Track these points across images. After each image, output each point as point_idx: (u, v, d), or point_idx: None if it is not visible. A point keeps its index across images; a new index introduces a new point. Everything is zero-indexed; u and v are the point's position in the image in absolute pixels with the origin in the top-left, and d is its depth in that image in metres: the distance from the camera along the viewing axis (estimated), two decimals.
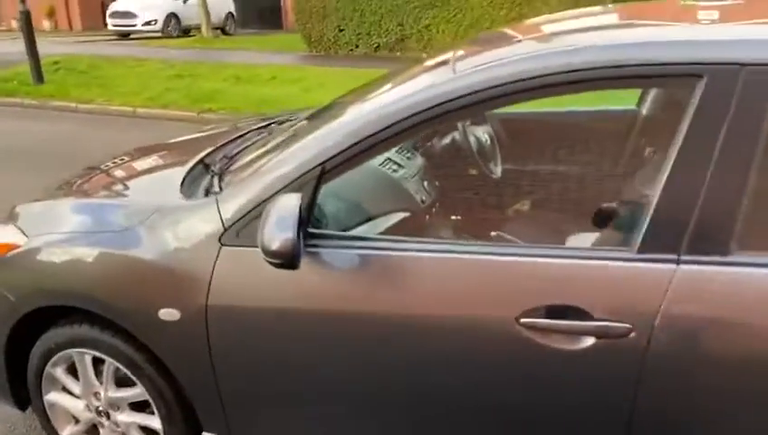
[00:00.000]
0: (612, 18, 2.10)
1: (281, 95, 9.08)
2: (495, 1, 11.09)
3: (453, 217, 1.97)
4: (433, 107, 1.65)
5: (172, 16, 17.98)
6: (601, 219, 1.68)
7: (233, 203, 1.87)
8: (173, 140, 3.09)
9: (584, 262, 1.56)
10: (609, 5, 2.83)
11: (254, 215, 1.81)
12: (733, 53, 1.48)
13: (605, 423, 1.60)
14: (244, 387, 1.94)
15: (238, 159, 2.36)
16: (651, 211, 1.50)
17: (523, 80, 1.56)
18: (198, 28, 17.04)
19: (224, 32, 18.49)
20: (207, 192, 2.08)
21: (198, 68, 11.37)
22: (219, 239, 1.86)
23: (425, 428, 1.78)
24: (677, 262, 1.48)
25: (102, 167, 2.72)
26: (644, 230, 1.51)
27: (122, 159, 2.77)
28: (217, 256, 1.85)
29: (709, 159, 1.46)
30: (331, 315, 1.73)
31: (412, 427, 1.79)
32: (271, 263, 1.65)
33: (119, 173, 2.64)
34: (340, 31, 12.86)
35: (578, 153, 1.87)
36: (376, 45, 12.62)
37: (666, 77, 1.54)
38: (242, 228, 1.83)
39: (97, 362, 2.17)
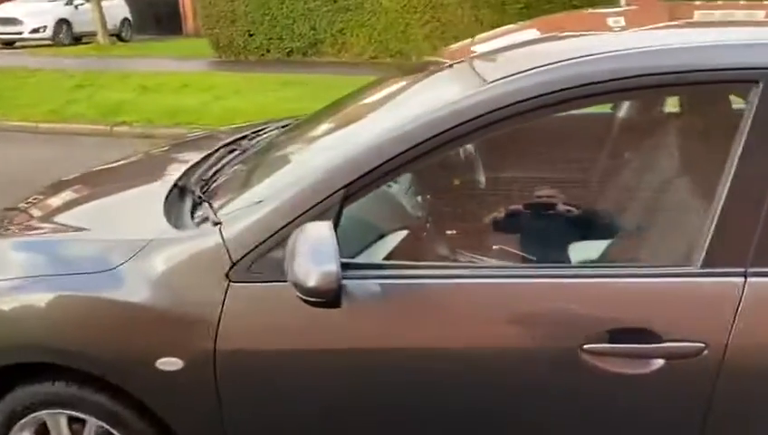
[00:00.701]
0: (620, 22, 2.05)
1: (194, 104, 8.66)
2: (409, 5, 11.10)
3: (481, 237, 1.84)
4: (472, 119, 1.52)
5: (63, 23, 16.79)
6: (653, 233, 1.60)
7: (241, 233, 1.65)
8: (101, 167, 2.75)
9: (647, 280, 1.48)
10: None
11: (269, 246, 1.62)
12: None
13: None
14: None
15: (221, 182, 2.13)
16: (714, 223, 1.44)
17: (582, 85, 1.46)
18: (92, 35, 16.04)
19: (120, 38, 17.51)
20: (198, 220, 1.85)
21: (100, 78, 10.67)
22: (227, 275, 1.64)
23: None
24: (745, 275, 1.42)
25: (33, 200, 2.39)
26: (707, 244, 1.44)
27: (56, 189, 2.45)
28: (226, 294, 1.64)
29: None
30: (375, 354, 1.56)
31: None
32: (307, 301, 1.46)
33: (67, 204, 2.33)
34: (250, 36, 12.49)
35: (607, 159, 1.78)
36: (288, 50, 12.34)
37: (718, 83, 1.48)
38: (254, 261, 1.63)
39: (72, 422, 1.89)
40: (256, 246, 1.63)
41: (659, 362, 1.44)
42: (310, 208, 1.59)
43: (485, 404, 1.55)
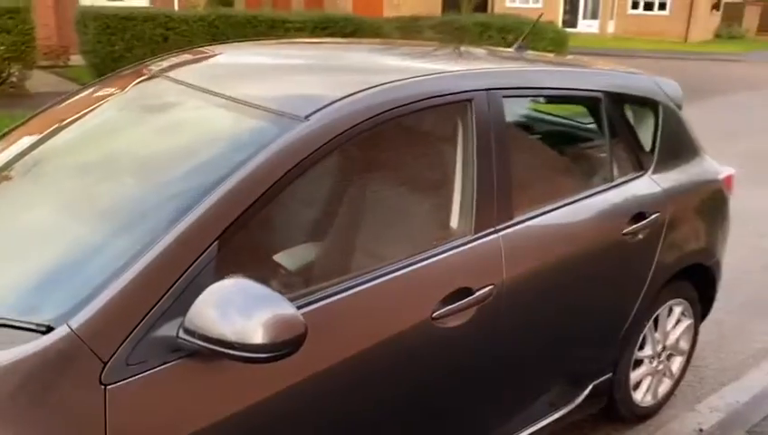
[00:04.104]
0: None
1: None
2: None
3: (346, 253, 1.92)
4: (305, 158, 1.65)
5: None
6: (442, 220, 2.02)
7: (102, 321, 1.37)
8: None
9: (456, 251, 1.91)
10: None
11: (148, 325, 1.41)
12: (482, 81, 2.09)
13: (486, 371, 2.05)
14: None
15: None
16: (474, 204, 1.98)
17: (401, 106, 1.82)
18: None
19: None
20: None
21: None
22: (100, 379, 1.34)
23: None
24: (497, 231, 2.03)
25: None
26: (474, 218, 1.98)
27: None
28: (106, 404, 1.34)
29: (491, 158, 2.04)
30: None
31: None
32: (253, 359, 1.37)
33: None
34: None
35: (399, 169, 2.09)
36: None
37: (453, 103, 2.01)
38: (132, 351, 1.38)
39: None
40: (130, 332, 1.38)
41: (474, 308, 1.92)
42: (189, 267, 1.45)
43: (376, 391, 1.77)
